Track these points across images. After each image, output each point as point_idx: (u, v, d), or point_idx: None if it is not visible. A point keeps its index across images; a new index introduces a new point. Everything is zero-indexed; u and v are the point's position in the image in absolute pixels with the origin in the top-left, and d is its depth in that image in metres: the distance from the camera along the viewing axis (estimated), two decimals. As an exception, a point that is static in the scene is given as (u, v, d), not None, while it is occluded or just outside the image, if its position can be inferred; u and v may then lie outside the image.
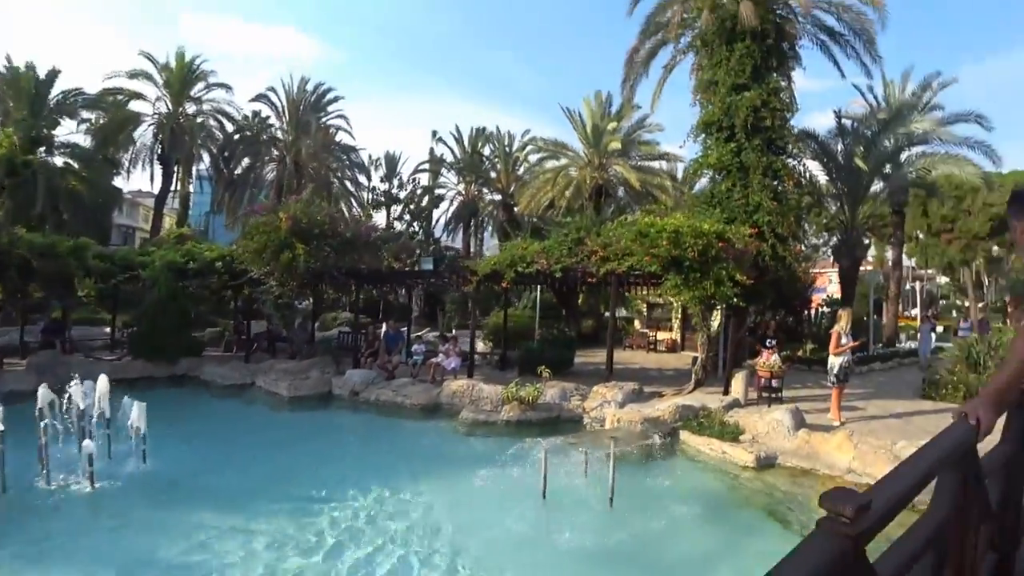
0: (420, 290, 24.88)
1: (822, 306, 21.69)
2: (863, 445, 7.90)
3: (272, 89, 33.97)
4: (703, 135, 16.06)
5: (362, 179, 38.12)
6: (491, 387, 11.59)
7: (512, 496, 7.40)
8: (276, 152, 33.81)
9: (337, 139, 36.38)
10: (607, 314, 30.48)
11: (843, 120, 19.84)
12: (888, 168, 18.88)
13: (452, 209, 38.79)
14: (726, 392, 11.77)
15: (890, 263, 24.12)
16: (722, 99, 15.33)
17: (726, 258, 10.28)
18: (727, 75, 15.34)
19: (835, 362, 9.85)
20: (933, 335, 19.22)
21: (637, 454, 8.94)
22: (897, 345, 21.90)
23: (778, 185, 14.26)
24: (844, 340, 9.79)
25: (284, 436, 10.58)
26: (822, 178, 19.01)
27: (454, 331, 19.76)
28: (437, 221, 39.16)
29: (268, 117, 34.42)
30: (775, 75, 15.62)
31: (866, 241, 22.93)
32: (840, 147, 18.67)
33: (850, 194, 18.08)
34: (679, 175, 25.56)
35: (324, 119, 35.49)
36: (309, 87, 34.62)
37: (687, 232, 10.00)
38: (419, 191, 39.00)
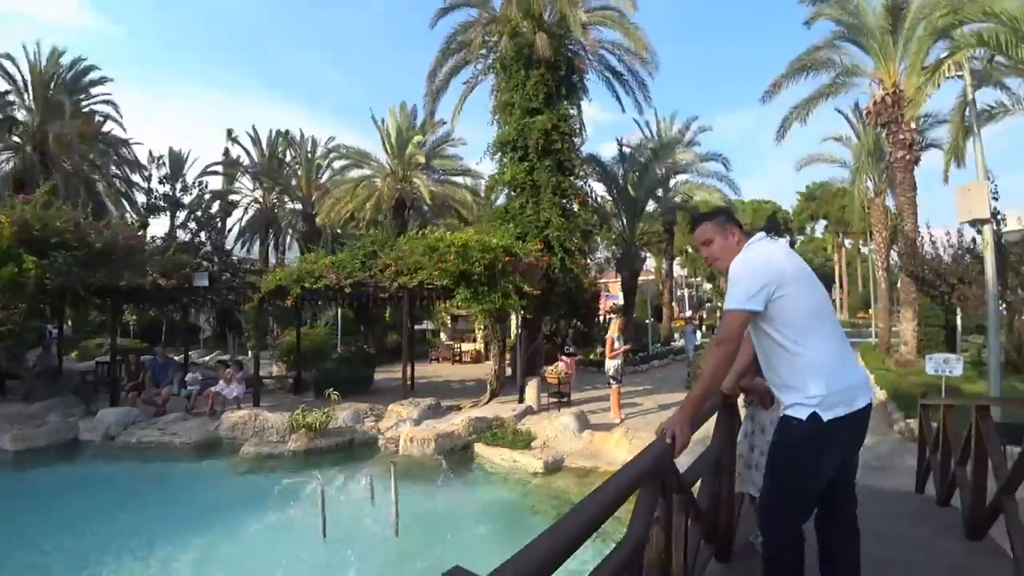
0: (210, 308, 22.20)
1: (609, 313, 24.10)
2: (636, 440, 8.75)
3: (9, 56, 27.14)
4: (499, 153, 16.83)
5: (137, 179, 32.85)
6: (277, 415, 10.59)
7: (290, 538, 6.74)
8: (15, 138, 27.36)
9: (105, 129, 30.76)
10: (417, 327, 30.42)
11: (624, 148, 22.40)
12: (659, 192, 21.64)
13: (247, 217, 35.46)
14: (520, 400, 12.27)
15: (664, 273, 27.79)
16: (517, 120, 16.21)
17: (513, 271, 10.73)
18: (523, 99, 16.26)
19: (611, 365, 10.85)
20: (697, 334, 22.38)
21: (430, 472, 8.84)
22: (671, 344, 25.22)
23: (567, 203, 15.45)
24: (617, 344, 10.82)
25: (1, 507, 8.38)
26: (608, 198, 21.19)
27: (251, 353, 17.87)
28: (230, 230, 35.49)
29: (8, 93, 27.44)
30: (566, 103, 16.95)
31: (644, 254, 26.00)
32: (621, 172, 21.00)
33: (628, 213, 20.40)
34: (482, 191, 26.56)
35: (85, 103, 29.74)
36: (64, 60, 28.46)
37: (475, 247, 10.27)
38: (208, 196, 34.90)
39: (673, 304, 47.66)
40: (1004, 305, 11.61)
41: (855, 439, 2.24)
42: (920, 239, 13.90)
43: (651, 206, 21.28)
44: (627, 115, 20.27)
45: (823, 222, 58.43)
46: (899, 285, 16.87)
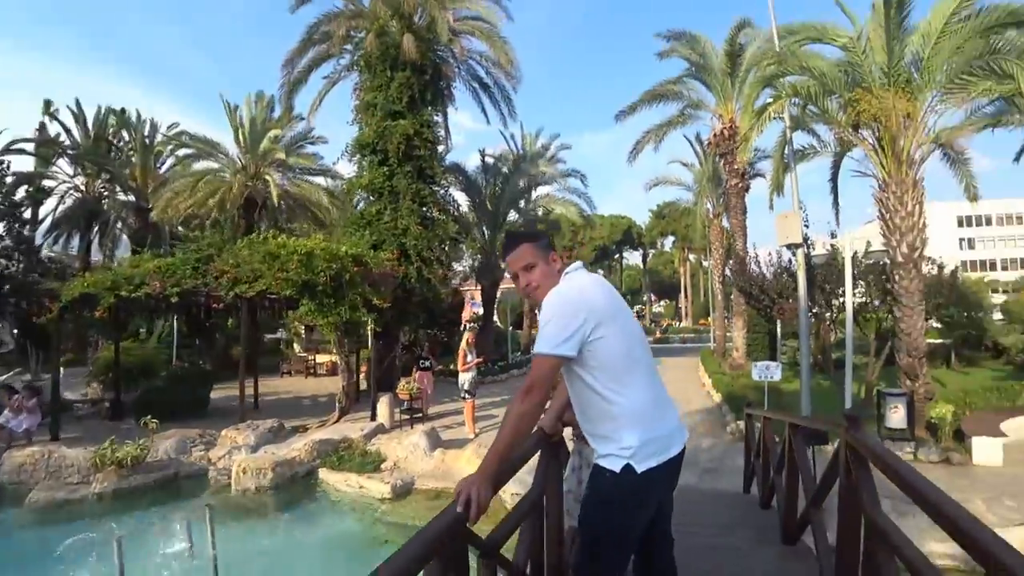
0: (10, 318, 18.66)
1: (469, 322, 24.06)
2: (486, 459, 8.55)
3: None
4: (358, 156, 16.03)
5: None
6: (79, 451, 8.90)
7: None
8: None
9: None
10: (270, 336, 28.08)
11: (487, 159, 22.52)
12: (521, 203, 21.99)
13: (64, 208, 30.46)
14: (373, 418, 11.63)
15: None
16: (378, 123, 15.53)
17: (363, 282, 10.10)
18: (386, 100, 15.61)
19: (464, 379, 10.61)
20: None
21: (265, 507, 7.97)
22: (532, 352, 25.75)
23: (426, 211, 15.04)
24: (470, 358, 10.60)
25: None
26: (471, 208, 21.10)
27: (62, 371, 15.09)
28: (41, 222, 30.19)
29: None
30: (430, 109, 16.53)
31: (503, 264, 26.15)
32: (483, 182, 21.02)
33: (489, 223, 20.43)
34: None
35: None
36: None
37: (320, 255, 9.48)
38: (11, 178, 29.29)
39: (535, 313, 49.21)
40: (812, 316, 13.21)
41: (670, 484, 2.13)
42: (748, 258, 15.44)
43: (513, 216, 21.54)
44: (497, 126, 20.49)
45: (671, 238, 63.77)
46: (732, 297, 18.66)
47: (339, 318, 9.85)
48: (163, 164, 29.61)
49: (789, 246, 10.54)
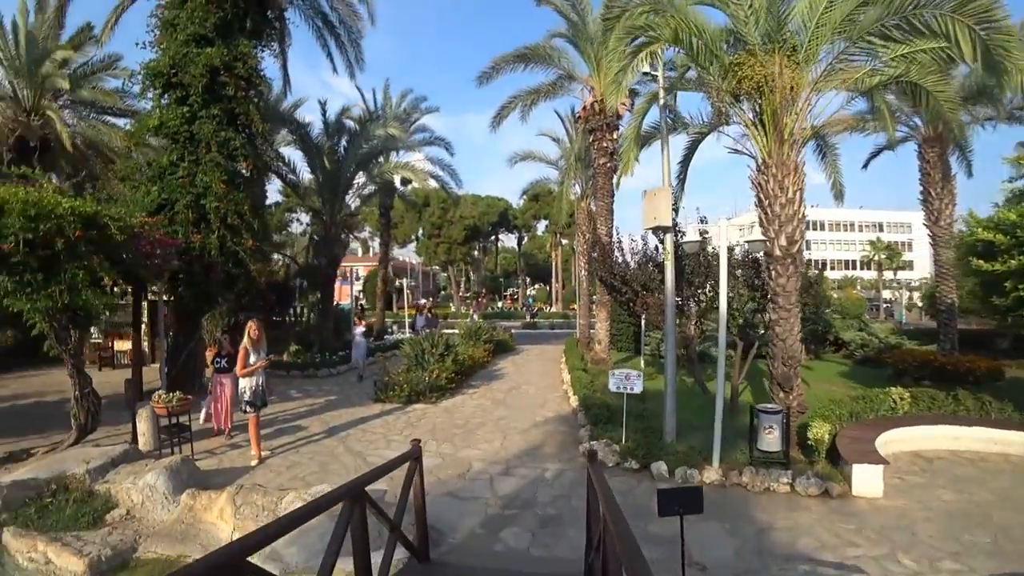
0: None
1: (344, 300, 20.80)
2: (247, 507, 6.07)
3: None
4: (153, 90, 12.42)
5: None
6: None
7: None
8: None
9: None
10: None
11: (344, 119, 19.32)
12: (375, 170, 19.12)
13: None
14: (134, 439, 8.62)
15: (381, 258, 25.29)
16: (178, 48, 12.05)
17: (96, 253, 7.03)
18: (189, 20, 12.15)
19: (244, 385, 7.99)
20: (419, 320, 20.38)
21: None
22: (385, 338, 22.97)
23: (236, 167, 11.90)
24: (253, 359, 7.98)
25: None
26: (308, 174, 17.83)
27: None
28: None
29: None
30: (250, 40, 13.21)
31: (348, 238, 22.95)
32: (327, 142, 17.84)
33: (329, 188, 17.35)
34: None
35: None
36: None
37: (16, 208, 6.27)
38: None
39: (406, 292, 46.30)
40: (678, 310, 12.15)
41: None
42: (611, 244, 14.15)
43: (361, 179, 18.54)
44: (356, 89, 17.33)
45: (544, 221, 63.51)
46: (597, 286, 17.55)
47: (51, 302, 6.71)
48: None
49: (656, 230, 9.09)
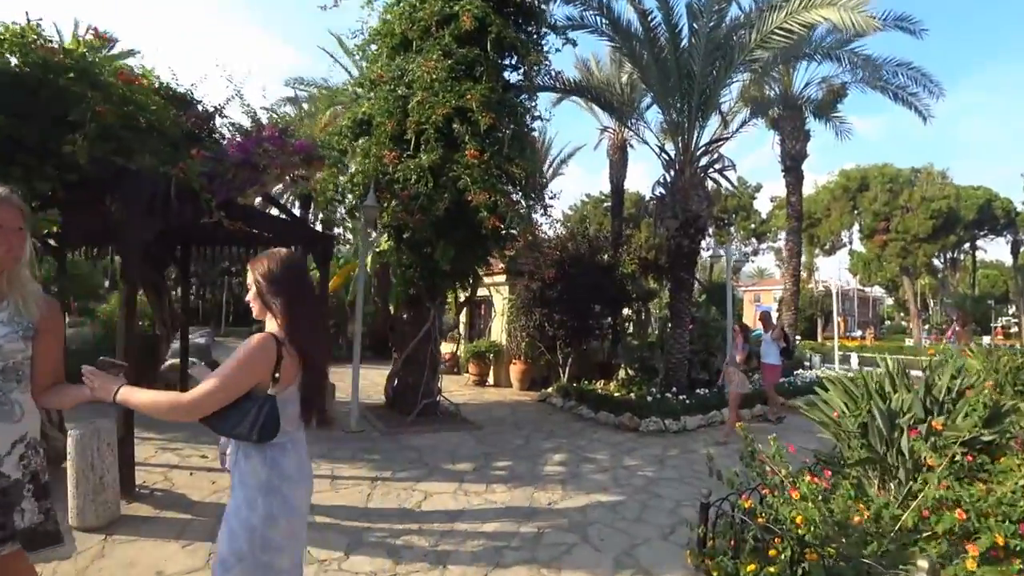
0: None
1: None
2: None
3: None
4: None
5: None
6: None
7: None
8: None
9: None
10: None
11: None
12: (769, 68, 10.86)
13: None
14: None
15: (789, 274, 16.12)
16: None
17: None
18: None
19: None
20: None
21: None
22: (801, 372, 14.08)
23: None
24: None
25: None
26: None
27: None
28: None
29: None
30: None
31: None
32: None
33: (682, 95, 9.68)
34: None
35: None
36: None
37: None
38: None
39: (836, 318, 34.57)
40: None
41: None
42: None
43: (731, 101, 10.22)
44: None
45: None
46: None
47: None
48: None
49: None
